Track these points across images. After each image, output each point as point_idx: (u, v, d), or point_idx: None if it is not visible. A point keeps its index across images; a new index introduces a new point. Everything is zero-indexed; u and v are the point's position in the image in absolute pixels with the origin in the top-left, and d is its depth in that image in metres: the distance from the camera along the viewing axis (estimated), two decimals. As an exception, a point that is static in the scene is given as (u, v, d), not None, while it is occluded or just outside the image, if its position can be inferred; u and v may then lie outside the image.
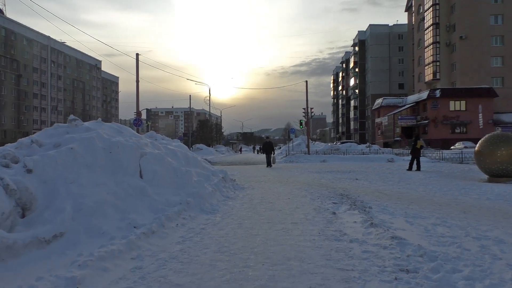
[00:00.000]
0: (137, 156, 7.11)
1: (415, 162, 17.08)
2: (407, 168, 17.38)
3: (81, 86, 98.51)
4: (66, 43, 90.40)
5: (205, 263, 4.00)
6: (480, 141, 12.87)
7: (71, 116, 7.38)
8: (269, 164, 21.24)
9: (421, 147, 17.21)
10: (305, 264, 3.88)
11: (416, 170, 16.83)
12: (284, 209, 7.29)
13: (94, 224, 5.00)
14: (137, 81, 28.98)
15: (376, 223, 5.36)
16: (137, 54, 29.00)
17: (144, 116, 31.35)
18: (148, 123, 32.78)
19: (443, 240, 4.69)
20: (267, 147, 21.66)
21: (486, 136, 12.78)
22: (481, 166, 12.70)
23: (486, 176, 12.77)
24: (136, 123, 28.43)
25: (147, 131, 39.27)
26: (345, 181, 12.44)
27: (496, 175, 12.16)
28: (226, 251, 4.44)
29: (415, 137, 17.57)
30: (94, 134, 6.81)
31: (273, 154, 21.87)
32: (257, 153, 48.54)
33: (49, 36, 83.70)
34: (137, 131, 26.89)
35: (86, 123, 7.55)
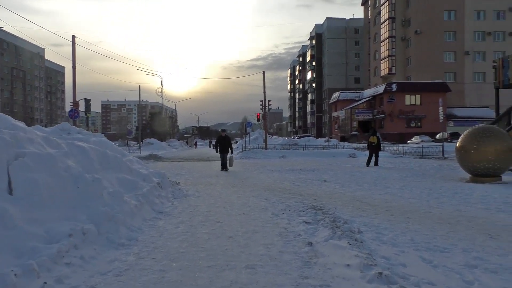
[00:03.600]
0: (4, 159, 4.53)
1: (373, 157, 16.80)
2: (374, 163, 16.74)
3: (21, 75, 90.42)
4: (3, 28, 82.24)
5: None
6: (462, 136, 11.29)
7: None
8: (224, 166, 15.79)
9: (371, 143, 16.81)
10: None
11: (371, 165, 16.55)
12: (236, 234, 5.03)
13: None
14: (74, 67, 25.51)
15: (385, 273, 3.19)
16: (73, 36, 25.51)
17: (82, 107, 27.96)
18: (88, 114, 29.17)
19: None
20: (223, 144, 15.74)
21: (470, 129, 11.21)
22: (463, 164, 11.11)
23: (467, 175, 11.25)
24: (72, 114, 24.88)
25: (87, 124, 35.56)
26: (312, 184, 10.37)
27: (481, 175, 10.63)
28: None
29: (371, 132, 17.47)
30: None
31: (231, 153, 15.99)
32: (212, 148, 46.19)
33: (-19, 19, 75.62)
34: (74, 124, 23.40)
35: None
